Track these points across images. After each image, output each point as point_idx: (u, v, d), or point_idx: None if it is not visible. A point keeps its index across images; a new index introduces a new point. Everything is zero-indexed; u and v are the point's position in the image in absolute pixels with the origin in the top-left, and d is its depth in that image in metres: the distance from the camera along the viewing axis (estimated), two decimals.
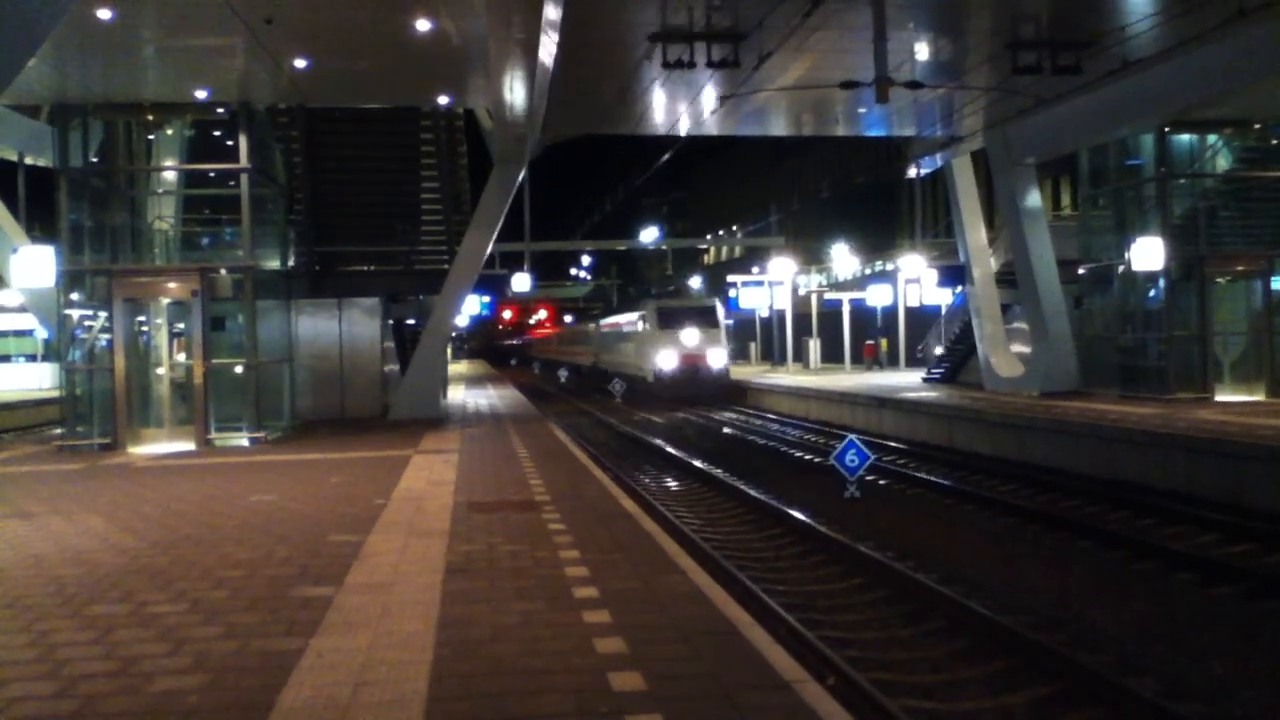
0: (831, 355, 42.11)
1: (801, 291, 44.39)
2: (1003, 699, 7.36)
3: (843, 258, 51.36)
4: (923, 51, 18.86)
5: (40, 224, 24.11)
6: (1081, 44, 17.18)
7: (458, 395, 34.84)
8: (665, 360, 36.49)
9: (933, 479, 16.77)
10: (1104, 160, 25.03)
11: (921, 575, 10.19)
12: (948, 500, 15.30)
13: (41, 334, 36.43)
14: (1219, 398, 21.62)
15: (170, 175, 21.97)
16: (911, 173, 30.84)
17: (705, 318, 38.15)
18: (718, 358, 36.90)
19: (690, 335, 36.67)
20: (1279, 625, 8.74)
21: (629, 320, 43.77)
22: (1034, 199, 25.59)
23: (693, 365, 36.37)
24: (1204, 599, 9.75)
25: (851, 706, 5.68)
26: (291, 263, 22.34)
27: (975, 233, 27.50)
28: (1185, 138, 23.58)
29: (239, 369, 19.73)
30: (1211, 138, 23.67)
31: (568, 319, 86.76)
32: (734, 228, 69.61)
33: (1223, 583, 10.10)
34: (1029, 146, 24.76)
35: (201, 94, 19.44)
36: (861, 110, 23.45)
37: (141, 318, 20.21)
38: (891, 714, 6.76)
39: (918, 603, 9.59)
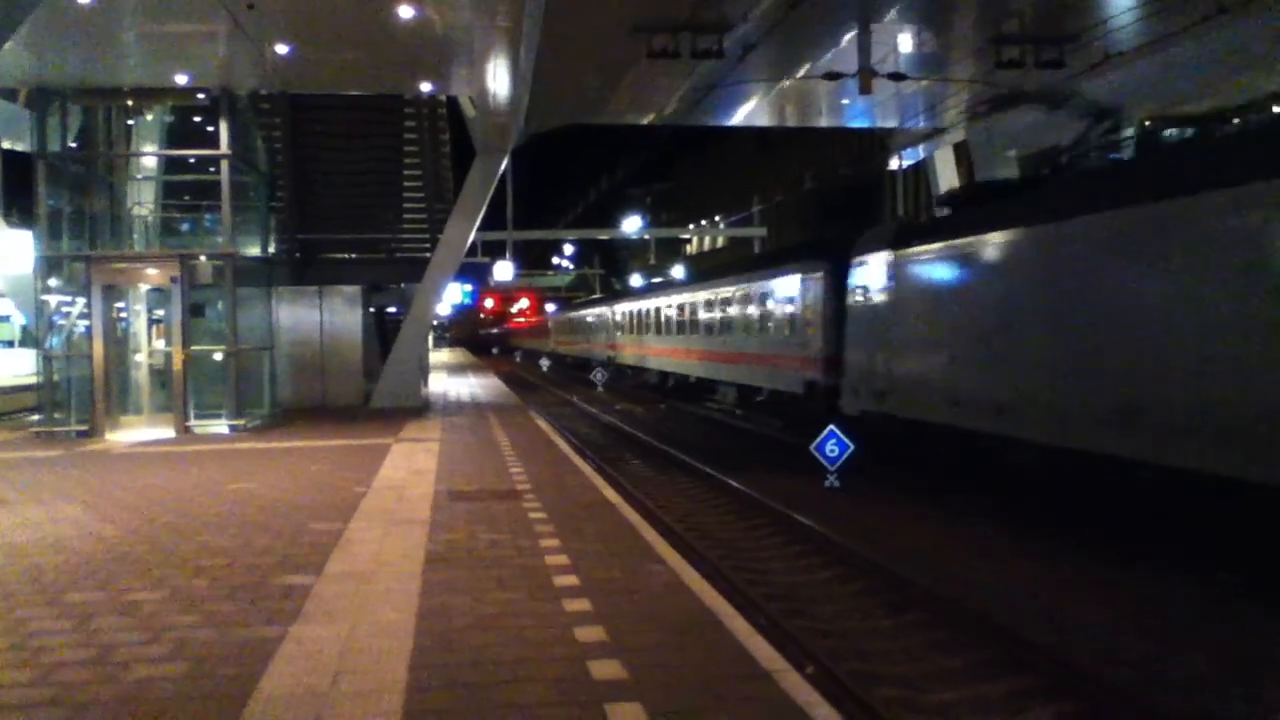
0: None
1: None
2: (980, 689, 7.41)
3: None
4: (906, 44, 18.90)
5: (17, 209, 23.88)
6: (1065, 38, 17.26)
7: (439, 384, 34.76)
8: None
9: None
10: (1086, 153, 25.10)
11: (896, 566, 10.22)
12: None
13: (19, 320, 36.16)
14: None
15: (150, 161, 21.86)
16: (894, 164, 30.95)
17: None
18: None
19: None
20: None
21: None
22: None
23: None
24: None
25: (833, 698, 5.70)
26: (272, 250, 22.23)
27: None
28: (1166, 132, 23.67)
29: (218, 356, 19.65)
30: (1192, 132, 23.76)
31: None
32: (717, 218, 69.62)
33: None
34: (1011, 138, 24.83)
35: (182, 79, 19.30)
36: (845, 101, 23.50)
37: (120, 304, 20.11)
38: (868, 703, 6.79)
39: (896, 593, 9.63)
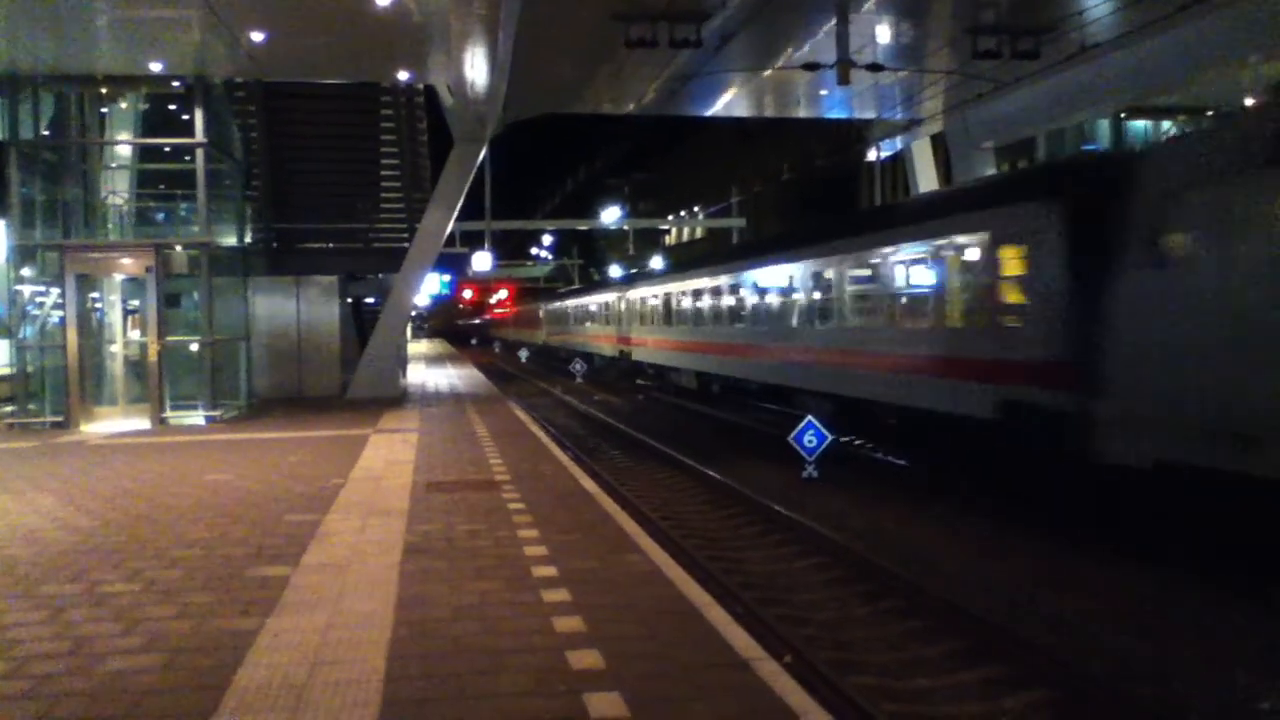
0: None
1: None
2: (957, 676, 7.47)
3: None
4: (884, 34, 18.94)
5: None
6: (1041, 29, 17.34)
7: (417, 375, 34.65)
8: None
9: None
10: (1061, 145, 25.33)
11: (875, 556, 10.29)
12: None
13: None
14: None
15: (124, 149, 21.63)
16: (871, 155, 31.02)
17: None
18: None
19: None
20: None
21: None
22: None
23: None
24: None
25: (809, 685, 5.74)
26: (248, 239, 22.07)
27: None
28: (1140, 124, 23.89)
29: (194, 347, 19.52)
30: (1166, 124, 23.99)
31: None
32: (695, 209, 69.64)
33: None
34: (988, 130, 24.96)
35: (156, 66, 19.11)
36: (823, 92, 23.54)
37: (95, 294, 19.92)
38: (844, 691, 6.84)
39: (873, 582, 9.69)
